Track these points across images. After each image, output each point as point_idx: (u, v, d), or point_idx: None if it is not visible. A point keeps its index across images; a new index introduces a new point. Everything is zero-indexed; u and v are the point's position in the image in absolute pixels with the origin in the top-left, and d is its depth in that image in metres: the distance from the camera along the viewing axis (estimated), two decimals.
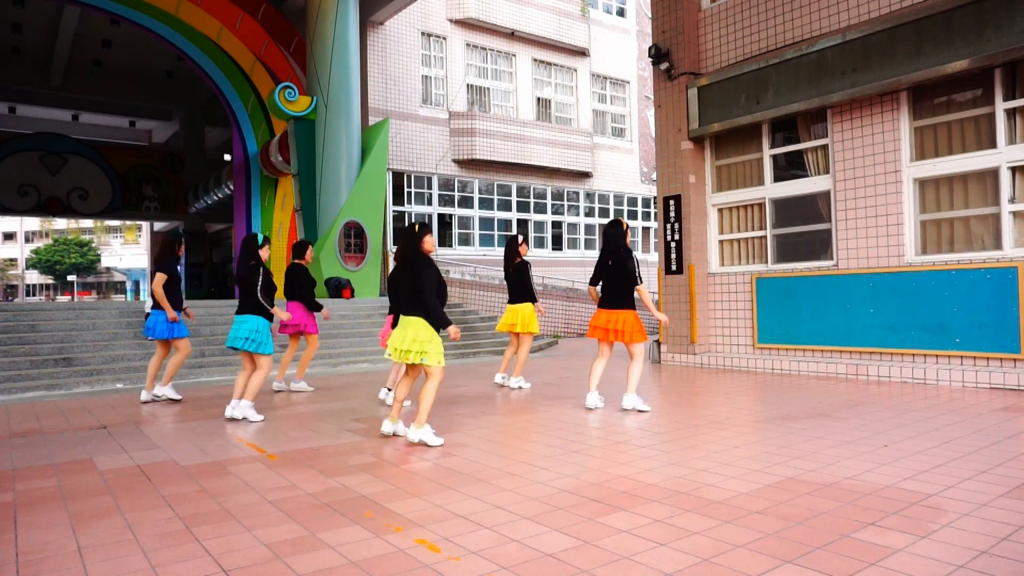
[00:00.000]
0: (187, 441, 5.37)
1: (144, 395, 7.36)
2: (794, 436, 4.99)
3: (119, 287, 62.88)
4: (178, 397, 7.44)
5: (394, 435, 5.26)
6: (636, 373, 6.14)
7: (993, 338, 7.15)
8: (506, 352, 8.15)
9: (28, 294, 62.17)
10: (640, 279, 6.14)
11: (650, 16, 11.53)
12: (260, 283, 6.19)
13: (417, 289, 4.97)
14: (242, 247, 6.37)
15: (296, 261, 7.94)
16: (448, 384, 8.25)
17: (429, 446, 4.91)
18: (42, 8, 19.18)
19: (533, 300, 7.93)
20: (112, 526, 3.36)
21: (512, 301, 7.97)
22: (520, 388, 7.87)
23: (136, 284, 58.45)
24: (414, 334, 4.93)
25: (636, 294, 6.19)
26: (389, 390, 7.00)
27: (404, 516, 3.40)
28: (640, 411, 6.11)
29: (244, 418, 6.10)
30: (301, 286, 7.79)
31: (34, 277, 62.63)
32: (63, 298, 56.22)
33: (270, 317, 6.28)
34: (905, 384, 7.43)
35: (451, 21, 18.21)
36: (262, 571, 2.77)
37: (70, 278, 59.31)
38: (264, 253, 6.38)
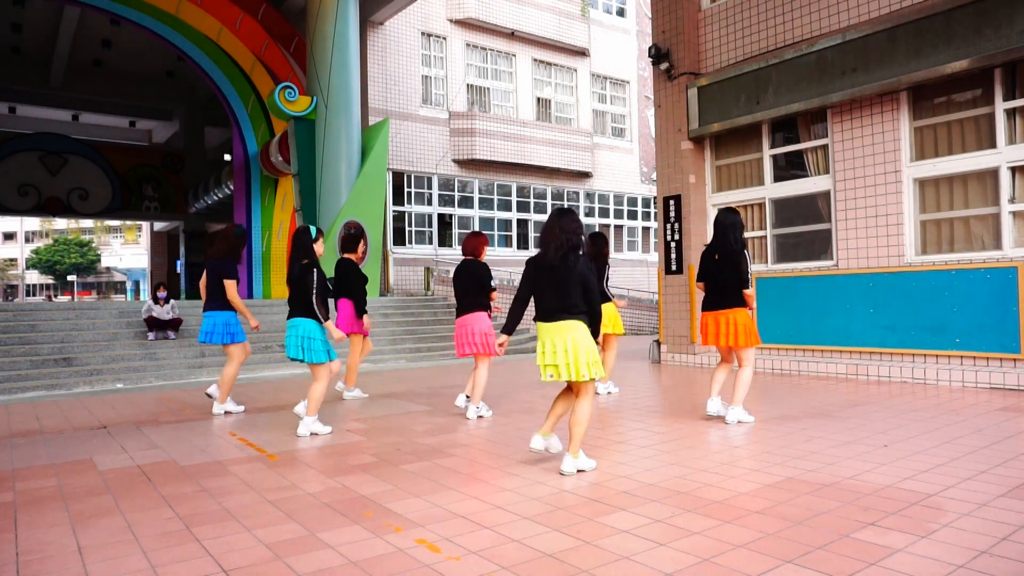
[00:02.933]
0: (187, 441, 5.37)
1: (217, 408, 6.60)
2: (794, 436, 4.99)
3: (119, 287, 62.87)
4: (240, 408, 6.71)
5: (547, 450, 4.40)
6: (746, 382, 5.48)
7: (993, 338, 7.15)
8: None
9: (28, 294, 62.17)
10: (748, 282, 5.41)
11: (650, 16, 11.53)
12: (316, 286, 5.41)
13: (584, 287, 4.05)
14: (293, 243, 5.54)
15: (347, 256, 7.16)
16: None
17: (585, 470, 4.19)
18: (42, 8, 19.18)
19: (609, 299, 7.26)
20: (112, 526, 3.36)
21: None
22: (609, 393, 7.30)
23: (136, 284, 58.44)
24: (578, 344, 4.02)
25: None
26: (468, 397, 6.25)
27: (404, 516, 3.40)
28: (742, 422, 5.48)
29: (313, 434, 5.44)
30: (354, 284, 7.15)
31: (34, 277, 62.61)
32: (63, 298, 56.21)
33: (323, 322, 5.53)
34: (905, 384, 7.43)
35: (451, 21, 18.21)
36: (262, 571, 2.77)
37: (70, 278, 59.30)
38: (319, 248, 5.58)
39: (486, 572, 2.71)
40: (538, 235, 20.39)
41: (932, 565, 2.67)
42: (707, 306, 5.62)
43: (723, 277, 5.49)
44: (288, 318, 5.57)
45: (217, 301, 6.43)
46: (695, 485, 3.81)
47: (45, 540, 3.19)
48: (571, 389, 4.28)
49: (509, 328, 4.34)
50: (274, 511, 3.53)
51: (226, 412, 6.59)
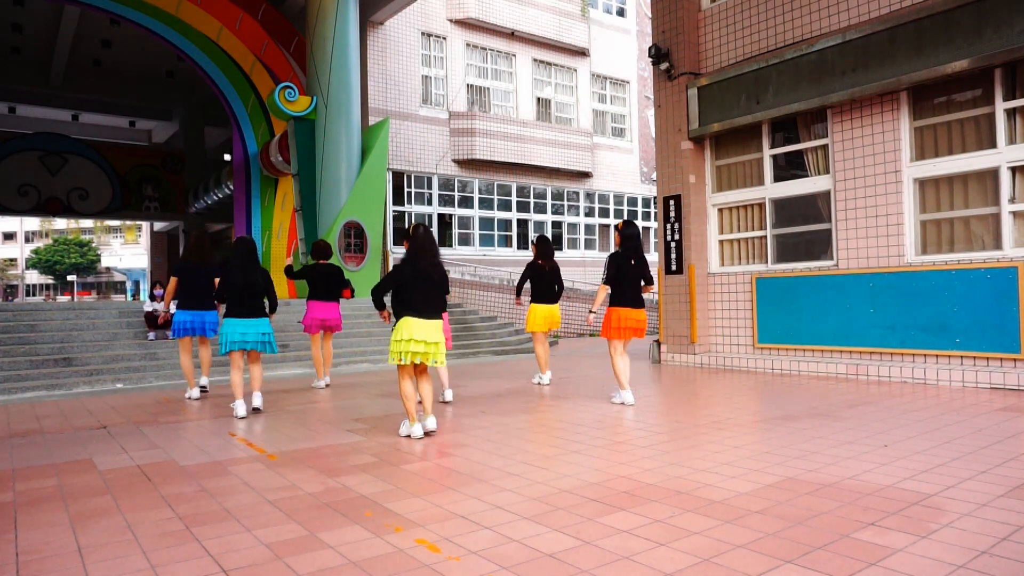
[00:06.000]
0: (187, 441, 5.37)
1: (205, 380, 7.86)
2: (794, 436, 4.99)
3: (119, 287, 62.84)
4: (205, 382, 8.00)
5: (429, 431, 5.38)
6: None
7: (993, 338, 7.15)
8: (542, 351, 8.17)
9: (28, 294, 62.16)
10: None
11: (650, 16, 11.53)
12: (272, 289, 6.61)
13: (445, 288, 5.26)
14: (248, 251, 6.53)
15: (322, 262, 8.16)
16: (453, 384, 8.22)
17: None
18: (42, 8, 19.18)
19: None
20: (112, 526, 3.36)
21: (548, 300, 8.01)
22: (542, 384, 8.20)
23: (136, 284, 58.43)
24: (441, 339, 5.15)
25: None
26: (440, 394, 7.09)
27: (404, 516, 3.40)
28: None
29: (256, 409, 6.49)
30: (333, 285, 8.17)
31: (34, 277, 62.60)
32: (63, 298, 56.21)
33: None
34: (905, 384, 7.43)
35: (451, 21, 18.21)
36: (262, 571, 2.77)
37: (70, 278, 59.28)
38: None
39: (486, 572, 2.71)
40: (534, 237, 20.24)
41: (932, 565, 2.67)
42: (630, 303, 6.36)
43: (638, 280, 6.41)
44: (242, 317, 6.37)
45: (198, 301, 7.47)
46: (695, 485, 3.81)
47: (45, 540, 3.19)
48: (413, 376, 5.28)
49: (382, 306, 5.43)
50: (274, 511, 3.53)
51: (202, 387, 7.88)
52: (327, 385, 8.27)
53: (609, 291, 6.45)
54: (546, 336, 8.15)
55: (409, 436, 5.26)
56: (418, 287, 5.10)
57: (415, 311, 5.06)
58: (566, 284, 18.82)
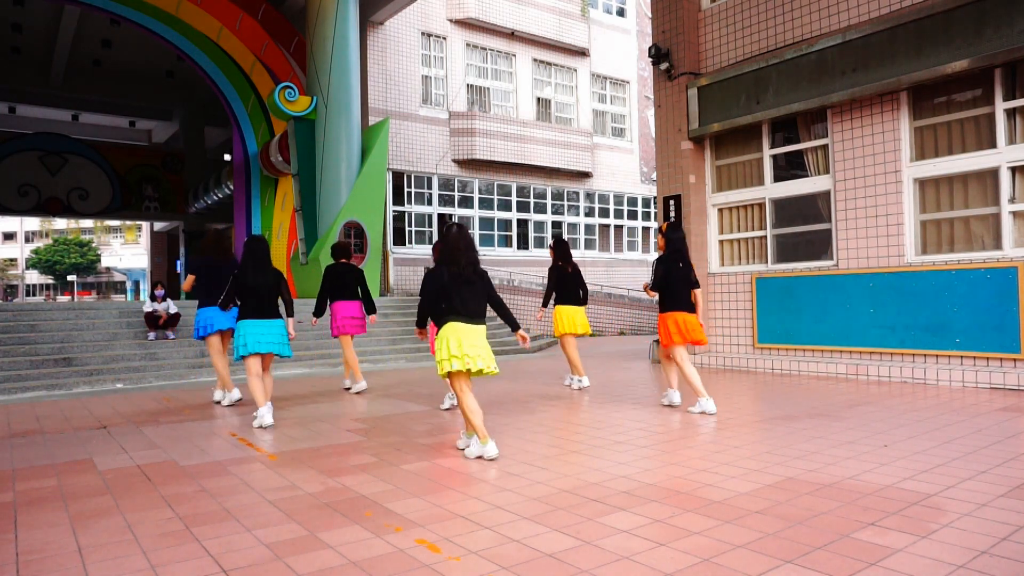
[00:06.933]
0: (187, 441, 5.37)
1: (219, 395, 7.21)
2: (794, 436, 4.99)
3: (119, 287, 62.85)
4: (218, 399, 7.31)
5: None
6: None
7: (993, 338, 7.15)
8: (572, 352, 7.86)
9: (28, 294, 62.17)
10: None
11: (650, 16, 11.53)
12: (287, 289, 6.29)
13: (489, 295, 4.77)
14: (260, 251, 6.15)
15: (343, 261, 7.90)
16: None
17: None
18: (42, 8, 19.17)
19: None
20: (112, 526, 3.36)
21: (574, 302, 7.84)
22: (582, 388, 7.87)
23: (136, 284, 58.43)
24: (488, 345, 4.69)
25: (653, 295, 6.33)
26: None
27: (404, 516, 3.40)
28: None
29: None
30: (352, 286, 7.91)
31: (34, 277, 62.61)
32: (63, 298, 56.22)
33: None
34: (905, 384, 7.43)
35: (451, 21, 18.21)
36: (262, 571, 2.77)
37: (70, 278, 59.29)
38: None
39: (486, 572, 2.71)
40: (536, 235, 19.95)
41: (932, 565, 2.67)
42: (684, 307, 6.12)
43: (684, 282, 6.14)
44: (254, 318, 6.03)
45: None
46: (695, 485, 3.81)
47: (45, 540, 3.19)
48: (467, 385, 4.67)
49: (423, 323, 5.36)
50: (274, 511, 3.53)
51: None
52: (348, 389, 7.95)
53: (657, 297, 6.24)
54: (575, 339, 7.91)
55: (482, 457, 4.54)
56: (458, 290, 4.60)
57: (460, 316, 4.57)
58: None
